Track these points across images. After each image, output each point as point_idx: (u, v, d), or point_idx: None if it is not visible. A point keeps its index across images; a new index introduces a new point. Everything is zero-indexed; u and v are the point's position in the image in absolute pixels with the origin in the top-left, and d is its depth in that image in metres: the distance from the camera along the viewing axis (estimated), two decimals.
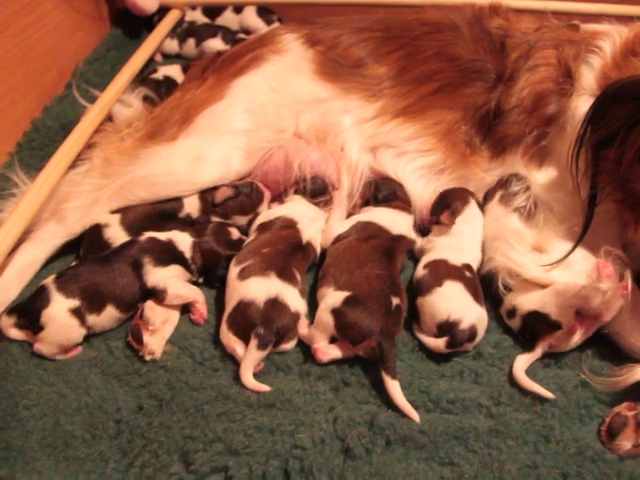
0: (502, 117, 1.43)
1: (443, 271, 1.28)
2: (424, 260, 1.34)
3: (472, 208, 1.42)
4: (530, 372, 1.20)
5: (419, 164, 1.50)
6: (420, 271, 1.32)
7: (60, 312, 1.20)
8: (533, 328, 1.22)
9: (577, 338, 1.20)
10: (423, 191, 1.50)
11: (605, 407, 1.14)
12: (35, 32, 1.85)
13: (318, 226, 1.43)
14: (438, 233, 1.41)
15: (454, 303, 1.22)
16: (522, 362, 1.20)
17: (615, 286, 1.14)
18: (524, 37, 1.47)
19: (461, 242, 1.37)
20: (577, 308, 1.17)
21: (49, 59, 1.92)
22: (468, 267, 1.31)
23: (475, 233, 1.39)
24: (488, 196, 1.44)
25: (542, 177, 1.38)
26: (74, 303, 1.21)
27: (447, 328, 1.20)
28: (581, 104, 1.33)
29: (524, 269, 1.27)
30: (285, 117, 1.52)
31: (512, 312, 1.27)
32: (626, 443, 1.07)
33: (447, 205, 1.42)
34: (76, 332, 1.22)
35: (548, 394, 1.14)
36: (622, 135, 1.15)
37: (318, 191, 1.49)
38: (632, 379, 1.12)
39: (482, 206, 1.45)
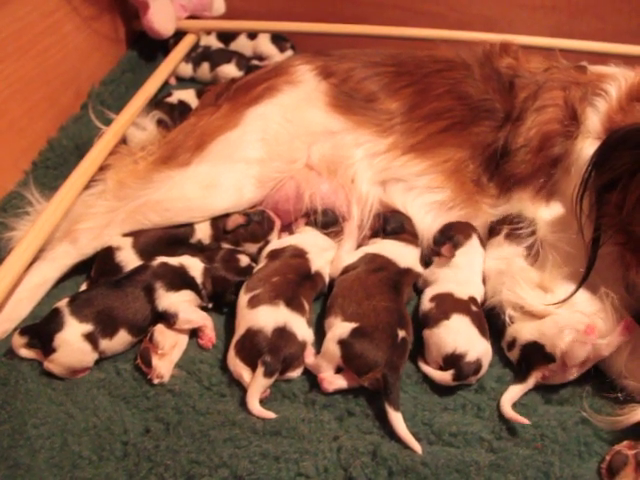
0: (509, 156, 1.45)
1: (449, 305, 1.30)
2: (429, 293, 1.36)
3: (473, 242, 1.43)
4: (530, 407, 1.21)
5: (427, 200, 1.52)
6: (426, 304, 1.33)
7: (73, 337, 1.21)
8: (529, 359, 1.24)
9: (572, 372, 1.22)
10: (431, 225, 1.51)
11: (605, 445, 1.15)
12: (56, 53, 1.89)
13: (328, 256, 1.44)
14: (439, 265, 1.43)
15: (460, 336, 1.24)
16: (512, 393, 1.21)
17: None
18: (533, 77, 1.50)
19: (463, 275, 1.39)
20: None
21: (67, 79, 1.96)
22: (474, 300, 1.33)
23: (475, 266, 1.41)
24: (493, 230, 1.46)
25: (548, 217, 1.39)
26: (87, 328, 1.23)
27: (453, 361, 1.22)
28: (586, 147, 1.35)
29: (528, 302, 1.30)
30: (297, 148, 1.54)
31: (512, 344, 1.29)
32: None
33: (449, 237, 1.44)
34: (88, 356, 1.24)
35: (525, 421, 1.16)
36: (625, 180, 1.17)
37: (329, 223, 1.51)
38: (633, 419, 1.13)
39: (486, 239, 1.47)
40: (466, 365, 1.21)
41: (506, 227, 1.42)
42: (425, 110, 1.53)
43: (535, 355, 1.23)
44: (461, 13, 2.26)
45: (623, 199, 1.19)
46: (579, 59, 1.63)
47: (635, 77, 1.41)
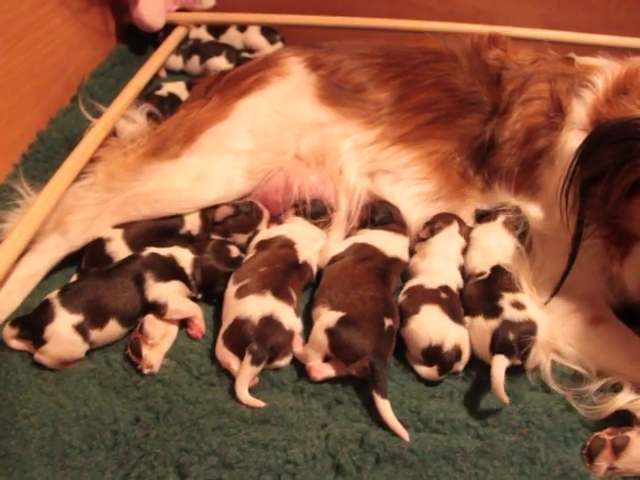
0: (496, 149, 1.46)
1: (419, 297, 1.31)
2: (405, 287, 1.37)
3: (452, 230, 1.44)
4: (517, 395, 1.23)
5: (415, 191, 1.53)
6: (400, 297, 1.35)
7: (64, 328, 1.22)
8: None
9: None
10: (419, 217, 1.52)
11: (590, 431, 1.17)
12: (45, 46, 1.89)
13: (317, 246, 1.45)
14: (418, 254, 1.45)
15: (432, 328, 1.24)
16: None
17: None
18: (520, 70, 1.51)
19: (436, 264, 1.40)
20: None
21: (57, 72, 1.96)
22: (445, 288, 1.33)
23: (450, 253, 1.42)
24: (491, 215, 1.46)
25: (533, 209, 1.40)
26: (78, 319, 1.23)
27: (432, 354, 1.23)
28: (571, 138, 1.35)
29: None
30: (286, 139, 1.55)
31: None
32: (603, 464, 1.10)
33: (430, 223, 1.47)
34: (79, 347, 1.24)
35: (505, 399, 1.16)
36: (610, 173, 1.17)
37: (318, 213, 1.52)
38: (612, 408, 1.16)
39: (481, 222, 1.48)
40: (446, 355, 1.22)
41: (503, 214, 1.42)
42: (413, 101, 1.53)
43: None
44: (450, 5, 2.27)
45: (608, 192, 1.19)
46: (568, 50, 1.62)
47: (622, 69, 1.40)
